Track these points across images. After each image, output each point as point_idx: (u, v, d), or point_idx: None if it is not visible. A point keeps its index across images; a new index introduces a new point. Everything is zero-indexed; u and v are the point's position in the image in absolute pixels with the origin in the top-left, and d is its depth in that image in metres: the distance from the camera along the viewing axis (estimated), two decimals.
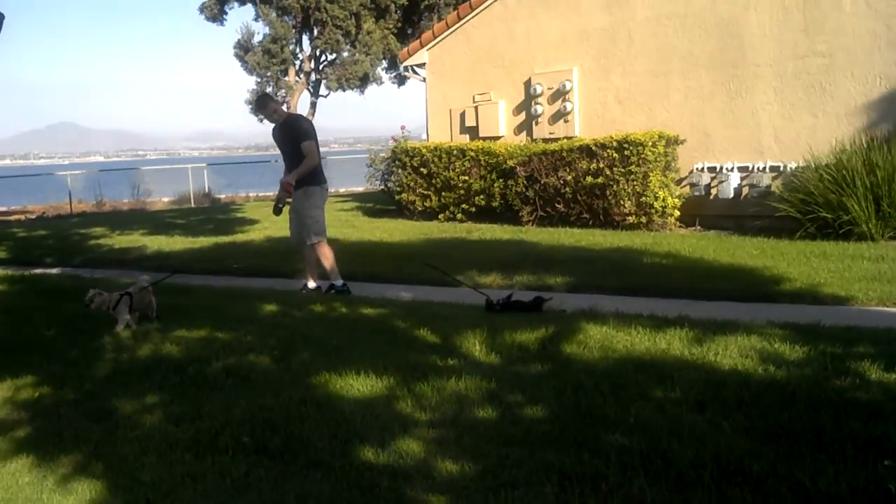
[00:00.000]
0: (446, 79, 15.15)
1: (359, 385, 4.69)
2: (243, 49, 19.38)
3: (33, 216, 22.57)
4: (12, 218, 22.16)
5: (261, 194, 27.58)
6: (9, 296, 8.12)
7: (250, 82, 19.25)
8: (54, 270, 10.70)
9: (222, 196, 25.81)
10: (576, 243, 10.23)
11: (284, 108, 19.51)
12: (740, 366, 4.72)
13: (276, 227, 14.26)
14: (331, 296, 7.71)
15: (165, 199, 25.96)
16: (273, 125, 8.04)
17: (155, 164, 51.07)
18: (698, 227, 11.84)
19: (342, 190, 28.25)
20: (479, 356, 5.19)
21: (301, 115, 8.21)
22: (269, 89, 19.34)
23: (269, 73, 19.01)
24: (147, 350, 5.73)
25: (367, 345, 5.59)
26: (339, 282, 7.95)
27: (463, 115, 14.81)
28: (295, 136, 7.83)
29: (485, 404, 4.25)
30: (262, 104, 8.18)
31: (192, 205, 24.30)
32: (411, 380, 4.70)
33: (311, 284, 8.11)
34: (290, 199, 7.99)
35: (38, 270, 10.50)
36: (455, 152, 13.63)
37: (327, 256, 7.98)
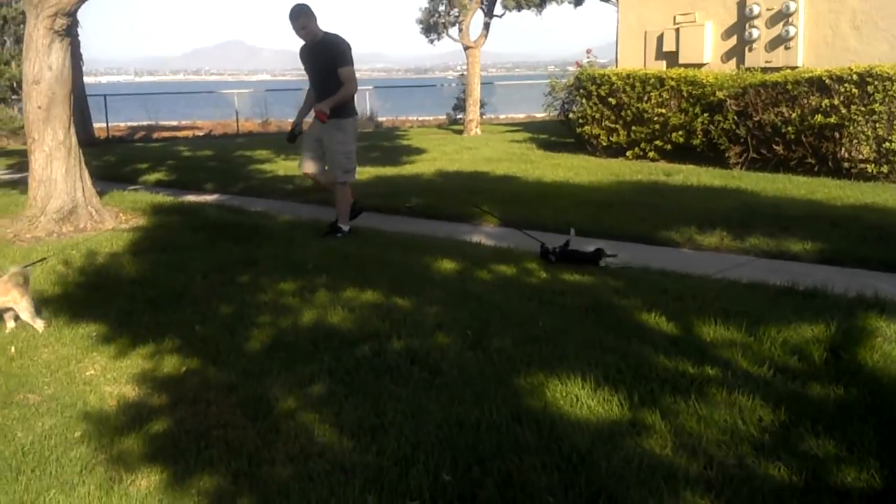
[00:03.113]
0: None
1: (586, 398, 3.49)
2: None
3: (201, 133, 22.62)
4: (180, 134, 22.31)
5: (421, 118, 26.61)
6: (166, 230, 7.40)
7: (421, 1, 18.01)
8: (213, 197, 10.04)
9: (383, 120, 25.00)
10: (808, 196, 8.49)
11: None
12: None
13: (447, 158, 13.18)
14: (331, 238, 7.00)
15: None
16: (303, 42, 7.08)
17: None
18: None
19: (502, 117, 26.81)
20: (743, 363, 3.86)
21: (339, 36, 6.96)
22: (441, 8, 18.04)
23: None
24: (313, 315, 4.75)
25: (581, 330, 4.37)
26: (347, 227, 7.21)
27: (660, 39, 13.02)
28: (333, 60, 6.97)
29: (779, 452, 2.96)
30: (295, 14, 6.87)
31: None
32: (660, 396, 3.46)
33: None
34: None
35: (198, 198, 9.86)
36: (652, 81, 11.91)
37: (346, 199, 7.24)
